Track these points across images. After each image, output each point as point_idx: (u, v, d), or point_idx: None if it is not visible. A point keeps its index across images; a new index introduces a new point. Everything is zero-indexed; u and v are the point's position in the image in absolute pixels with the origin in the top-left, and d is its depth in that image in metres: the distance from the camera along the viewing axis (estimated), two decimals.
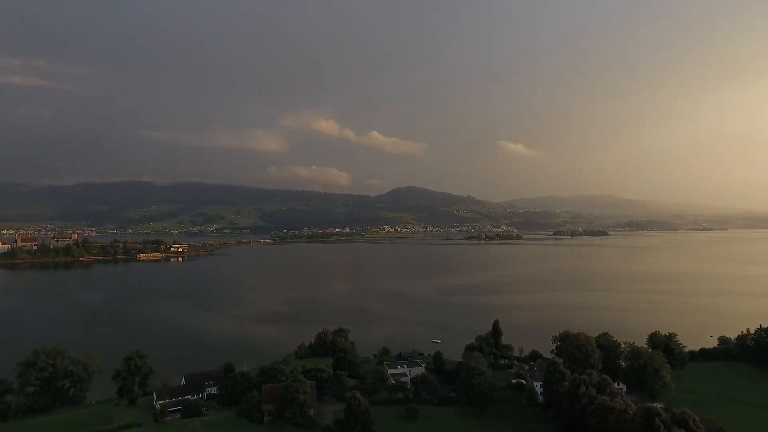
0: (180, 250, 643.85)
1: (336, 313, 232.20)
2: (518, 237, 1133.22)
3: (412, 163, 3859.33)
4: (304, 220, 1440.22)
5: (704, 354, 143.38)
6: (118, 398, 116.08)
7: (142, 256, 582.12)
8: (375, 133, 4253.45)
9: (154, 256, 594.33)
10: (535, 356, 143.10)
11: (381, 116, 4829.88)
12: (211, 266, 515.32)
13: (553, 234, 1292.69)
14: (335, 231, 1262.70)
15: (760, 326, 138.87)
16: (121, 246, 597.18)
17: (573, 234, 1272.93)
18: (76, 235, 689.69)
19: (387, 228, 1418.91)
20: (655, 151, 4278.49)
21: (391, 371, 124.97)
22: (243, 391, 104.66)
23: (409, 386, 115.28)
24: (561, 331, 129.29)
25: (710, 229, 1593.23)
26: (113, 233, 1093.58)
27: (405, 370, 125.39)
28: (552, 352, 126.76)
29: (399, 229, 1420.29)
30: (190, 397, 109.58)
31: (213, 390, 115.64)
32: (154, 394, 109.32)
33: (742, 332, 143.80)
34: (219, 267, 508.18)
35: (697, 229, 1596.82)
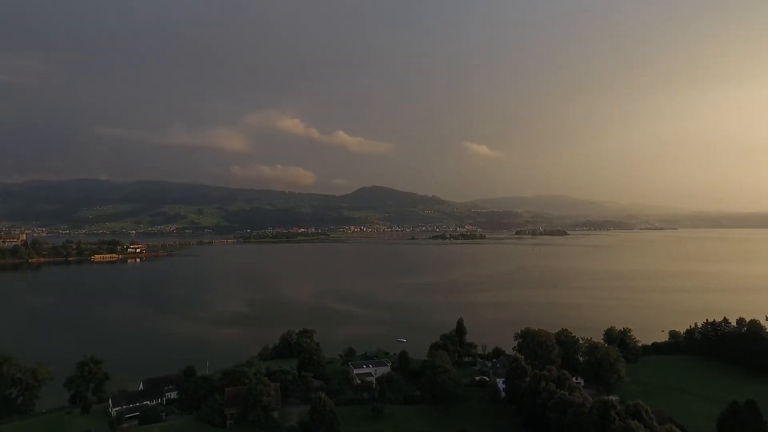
0: (138, 250, 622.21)
1: (301, 314, 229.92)
2: (482, 236, 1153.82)
3: (377, 163, 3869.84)
4: (269, 219, 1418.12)
5: (656, 348, 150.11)
6: (70, 406, 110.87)
7: (96, 257, 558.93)
8: (341, 133, 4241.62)
9: (110, 257, 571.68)
10: (498, 353, 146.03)
11: (347, 116, 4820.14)
12: (171, 267, 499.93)
13: (516, 233, 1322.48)
14: (300, 231, 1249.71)
15: (707, 321, 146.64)
16: (74, 247, 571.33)
17: (534, 234, 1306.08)
18: (24, 235, 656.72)
19: (353, 228, 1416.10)
20: (611, 153, 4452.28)
21: (356, 371, 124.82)
22: (204, 395, 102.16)
23: (374, 386, 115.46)
24: (523, 328, 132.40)
25: (662, 229, 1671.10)
26: (66, 233, 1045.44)
27: (370, 369, 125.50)
28: (514, 348, 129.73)
29: (365, 229, 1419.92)
30: (148, 402, 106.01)
31: (173, 395, 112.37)
32: (110, 401, 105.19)
33: (690, 327, 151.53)
34: (179, 268, 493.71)
35: (650, 229, 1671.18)
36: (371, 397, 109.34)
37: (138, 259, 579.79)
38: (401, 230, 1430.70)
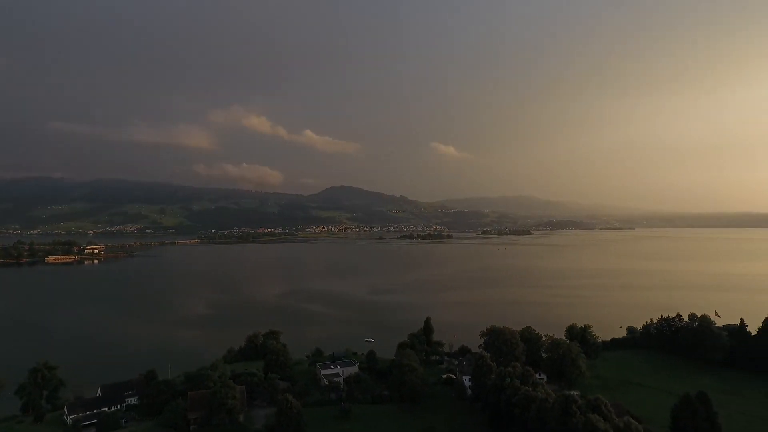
0: (96, 251, 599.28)
1: (268, 315, 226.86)
2: (449, 236, 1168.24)
3: (346, 162, 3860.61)
4: (235, 219, 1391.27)
5: (614, 343, 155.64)
6: (21, 415, 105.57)
7: (51, 258, 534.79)
8: (308, 132, 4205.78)
9: (66, 258, 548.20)
10: (464, 351, 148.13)
11: (315, 115, 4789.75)
12: (131, 269, 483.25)
13: (482, 233, 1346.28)
14: (267, 231, 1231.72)
15: (661, 316, 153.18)
16: (26, 247, 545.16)
17: (499, 233, 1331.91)
18: None
19: (320, 227, 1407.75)
20: (573, 155, 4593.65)
21: (324, 372, 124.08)
22: (167, 400, 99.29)
23: (342, 386, 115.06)
24: (488, 327, 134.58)
25: (620, 228, 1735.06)
26: (17, 233, 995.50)
27: (338, 370, 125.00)
28: (480, 346, 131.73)
29: (333, 229, 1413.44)
30: (107, 409, 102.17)
31: (133, 400, 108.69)
32: (66, 408, 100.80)
33: (646, 322, 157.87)
34: (140, 269, 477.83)
35: (609, 228, 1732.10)
36: (339, 398, 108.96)
37: (96, 261, 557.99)
38: (369, 230, 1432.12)
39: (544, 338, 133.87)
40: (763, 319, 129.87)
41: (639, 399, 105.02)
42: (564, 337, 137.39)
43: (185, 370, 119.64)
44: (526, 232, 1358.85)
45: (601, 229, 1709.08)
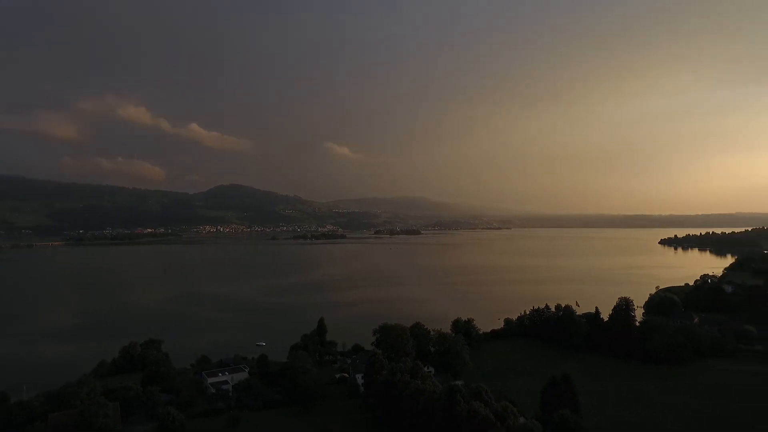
0: None
1: (147, 323, 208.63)
2: (342, 236, 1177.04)
3: (236, 159, 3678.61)
4: (109, 218, 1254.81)
5: (494, 334, 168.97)
6: None
7: None
8: (195, 126, 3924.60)
9: None
10: (357, 349, 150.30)
11: (201, 107, 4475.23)
12: None
13: (375, 233, 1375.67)
14: (147, 231, 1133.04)
15: (533, 308, 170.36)
16: None
17: (392, 233, 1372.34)
18: None
19: (208, 228, 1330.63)
20: (460, 159, 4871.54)
21: (210, 380, 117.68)
22: (22, 425, 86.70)
23: (231, 393, 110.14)
24: (380, 324, 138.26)
25: (499, 228, 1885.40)
26: None
27: (226, 377, 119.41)
28: (372, 344, 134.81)
29: (222, 229, 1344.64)
30: None
31: None
32: None
33: (520, 314, 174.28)
34: None
35: (490, 228, 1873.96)
36: (227, 406, 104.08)
37: None
38: (261, 230, 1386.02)
39: (432, 333, 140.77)
40: (613, 307, 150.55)
41: (515, 384, 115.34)
42: (450, 331, 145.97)
43: (45, 389, 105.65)
44: (416, 232, 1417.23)
45: (483, 228, 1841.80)
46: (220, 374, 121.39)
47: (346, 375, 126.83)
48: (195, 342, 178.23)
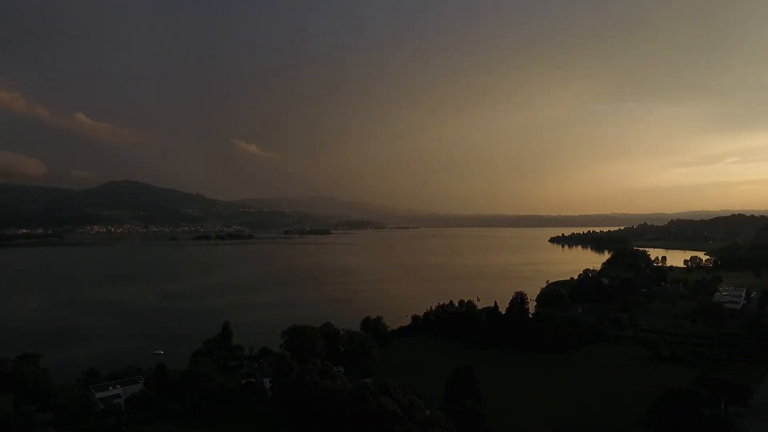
0: None
1: (22, 336, 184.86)
2: (250, 236, 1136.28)
3: (131, 154, 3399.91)
4: None
5: (402, 331, 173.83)
6: None
7: None
8: (81, 116, 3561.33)
9: None
10: (265, 353, 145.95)
11: (89, 95, 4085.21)
12: None
13: (284, 233, 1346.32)
14: (22, 232, 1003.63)
15: (438, 304, 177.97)
16: None
17: (301, 233, 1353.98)
18: None
19: (98, 228, 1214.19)
20: (368, 160, 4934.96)
21: (99, 395, 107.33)
22: None
23: (123, 408, 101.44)
24: (289, 326, 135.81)
25: (407, 228, 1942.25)
26: None
27: (118, 390, 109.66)
28: (281, 347, 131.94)
29: (113, 230, 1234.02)
30: None
31: None
32: None
33: (426, 310, 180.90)
34: None
35: (399, 228, 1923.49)
36: (119, 422, 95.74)
37: None
38: (159, 230, 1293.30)
39: (342, 332, 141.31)
40: (509, 301, 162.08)
41: (422, 378, 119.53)
42: (360, 330, 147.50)
43: None
44: (326, 232, 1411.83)
45: (391, 228, 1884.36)
46: (110, 388, 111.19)
47: (252, 380, 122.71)
48: (81, 354, 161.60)
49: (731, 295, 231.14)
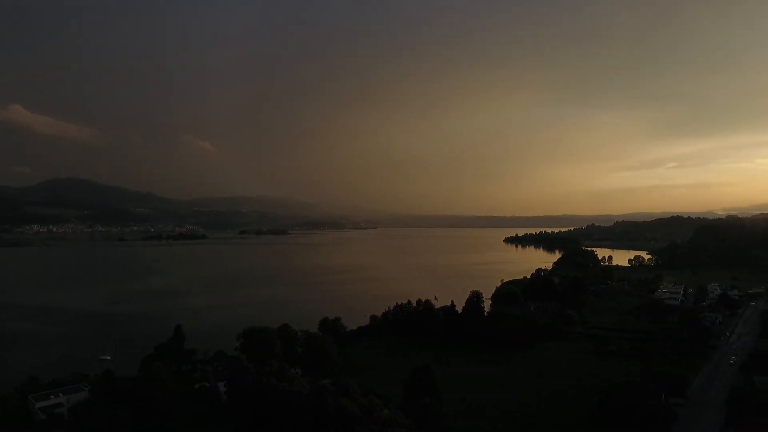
0: None
1: None
2: (204, 236, 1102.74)
3: (76, 150, 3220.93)
4: None
5: (361, 331, 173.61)
6: None
7: None
8: (18, 108, 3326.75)
9: None
10: (220, 356, 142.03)
11: (27, 86, 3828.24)
12: None
13: (240, 233, 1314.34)
14: None
15: (397, 303, 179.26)
16: None
17: (258, 233, 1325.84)
18: None
19: (37, 228, 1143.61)
20: (324, 160, 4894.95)
21: (39, 404, 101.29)
22: None
23: (67, 417, 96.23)
24: (246, 328, 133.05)
25: (366, 228, 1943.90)
26: None
27: (61, 399, 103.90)
28: (236, 349, 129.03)
29: (55, 230, 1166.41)
30: None
31: None
32: None
33: (385, 310, 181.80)
34: None
35: (358, 228, 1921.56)
36: None
37: None
38: (106, 230, 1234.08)
39: (300, 333, 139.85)
40: (466, 299, 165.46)
41: (381, 378, 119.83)
42: (318, 331, 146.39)
43: None
44: (284, 232, 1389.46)
45: (350, 228, 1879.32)
46: (52, 396, 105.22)
47: (206, 384, 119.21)
48: (19, 362, 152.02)
49: (671, 292, 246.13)
